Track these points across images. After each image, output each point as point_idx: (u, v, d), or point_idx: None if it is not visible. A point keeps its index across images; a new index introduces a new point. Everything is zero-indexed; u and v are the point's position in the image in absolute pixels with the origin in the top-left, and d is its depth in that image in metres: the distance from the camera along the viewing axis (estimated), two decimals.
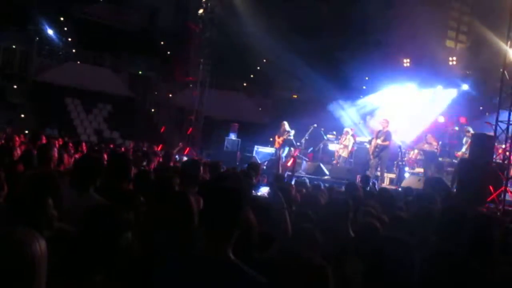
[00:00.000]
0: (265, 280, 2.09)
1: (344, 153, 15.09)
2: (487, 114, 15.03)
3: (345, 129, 15.65)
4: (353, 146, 15.18)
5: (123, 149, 13.04)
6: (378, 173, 13.87)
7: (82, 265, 2.17)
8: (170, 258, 2.25)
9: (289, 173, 12.19)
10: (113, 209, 2.40)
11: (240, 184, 4.77)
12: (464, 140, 13.32)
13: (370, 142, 14.48)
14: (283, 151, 15.32)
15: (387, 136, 13.66)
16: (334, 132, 16.49)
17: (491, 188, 9.97)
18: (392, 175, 14.90)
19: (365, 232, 3.35)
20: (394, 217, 4.48)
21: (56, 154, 5.44)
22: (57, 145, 7.88)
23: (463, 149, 13.13)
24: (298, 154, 14.76)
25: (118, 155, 6.10)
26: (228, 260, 2.10)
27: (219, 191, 2.31)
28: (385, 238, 2.48)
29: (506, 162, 10.51)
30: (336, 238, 3.66)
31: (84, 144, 10.71)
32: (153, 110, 25.60)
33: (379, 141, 13.69)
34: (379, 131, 13.90)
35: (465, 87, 17.73)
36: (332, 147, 16.16)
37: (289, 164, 13.88)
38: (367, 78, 20.88)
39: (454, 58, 18.13)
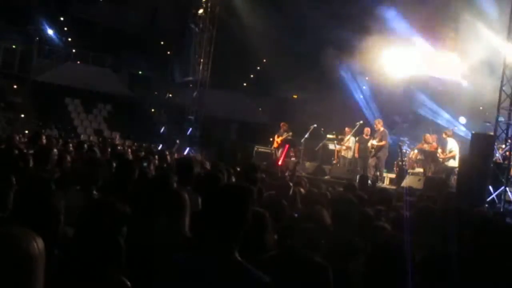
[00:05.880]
0: (269, 280, 2.07)
1: (348, 155, 15.05)
2: (487, 114, 15.03)
3: (346, 129, 15.64)
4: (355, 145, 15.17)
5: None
6: (378, 173, 13.88)
7: (85, 262, 2.18)
8: (174, 257, 2.24)
9: (289, 172, 12.15)
10: (109, 204, 2.42)
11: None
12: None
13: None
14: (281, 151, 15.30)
15: (383, 136, 13.67)
16: (334, 132, 16.47)
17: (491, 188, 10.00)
18: (392, 175, 14.90)
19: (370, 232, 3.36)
20: (395, 217, 4.49)
21: (55, 155, 5.46)
22: (58, 145, 7.89)
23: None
24: (290, 153, 14.69)
25: (122, 157, 6.14)
26: (233, 259, 2.09)
27: (226, 190, 2.27)
28: (385, 238, 2.49)
29: (506, 162, 10.53)
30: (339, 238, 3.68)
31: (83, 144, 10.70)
32: (153, 110, 25.58)
33: (374, 142, 13.69)
34: (375, 131, 13.91)
35: (465, 86, 17.72)
36: (332, 147, 16.14)
37: (279, 162, 13.84)
38: (367, 78, 20.89)
39: (454, 58, 18.11)
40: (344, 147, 15.16)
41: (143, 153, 9.65)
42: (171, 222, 3.23)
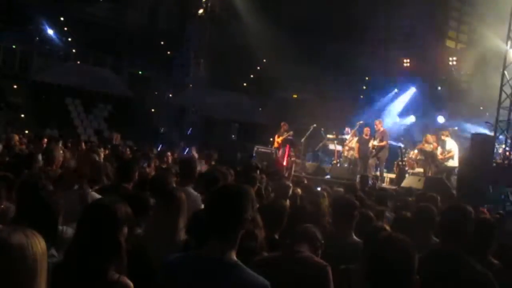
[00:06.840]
0: (267, 283, 2.06)
1: (350, 155, 15.03)
2: (487, 114, 15.03)
3: (346, 129, 15.62)
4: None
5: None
6: (378, 173, 13.87)
7: (85, 262, 2.18)
8: (172, 257, 2.24)
9: (286, 172, 12.13)
10: (110, 204, 2.42)
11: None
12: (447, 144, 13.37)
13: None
14: (282, 151, 15.29)
15: (383, 136, 13.66)
16: (334, 132, 16.47)
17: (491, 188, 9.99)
18: (392, 175, 14.89)
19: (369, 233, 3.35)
20: (395, 217, 4.50)
21: (59, 155, 5.47)
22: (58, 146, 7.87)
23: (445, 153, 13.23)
24: (290, 153, 14.68)
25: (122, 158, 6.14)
26: (230, 261, 2.09)
27: (225, 191, 2.26)
28: (386, 238, 2.48)
29: (506, 162, 10.53)
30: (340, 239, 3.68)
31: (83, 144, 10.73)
32: (153, 110, 25.58)
33: (375, 142, 13.67)
34: (375, 132, 13.90)
35: (464, 86, 17.73)
36: (332, 147, 16.12)
37: (284, 163, 13.82)
38: (367, 78, 20.91)
39: (454, 58, 18.14)
40: (347, 148, 15.16)
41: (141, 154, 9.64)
42: (168, 222, 3.23)
